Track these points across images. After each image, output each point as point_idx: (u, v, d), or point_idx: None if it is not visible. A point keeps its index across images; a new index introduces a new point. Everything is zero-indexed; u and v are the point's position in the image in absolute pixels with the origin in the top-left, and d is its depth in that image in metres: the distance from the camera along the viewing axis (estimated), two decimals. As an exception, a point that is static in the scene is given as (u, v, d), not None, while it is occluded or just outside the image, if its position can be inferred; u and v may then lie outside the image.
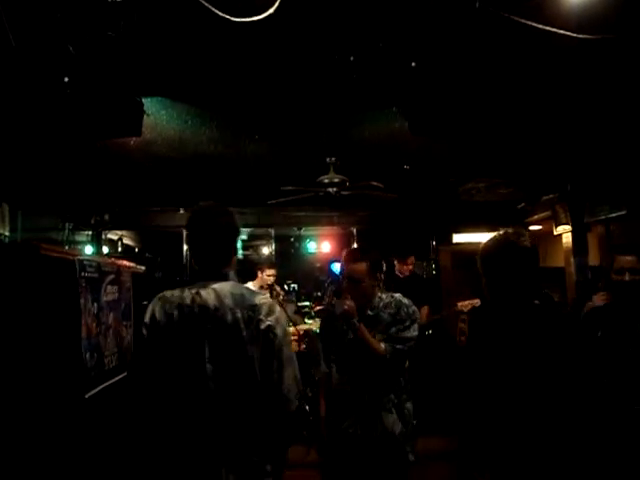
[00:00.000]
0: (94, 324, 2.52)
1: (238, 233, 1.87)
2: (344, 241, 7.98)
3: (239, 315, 1.66)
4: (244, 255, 8.52)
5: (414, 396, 2.51)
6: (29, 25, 2.29)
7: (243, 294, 1.71)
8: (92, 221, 6.67)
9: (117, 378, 2.74)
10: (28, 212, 5.99)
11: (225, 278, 1.75)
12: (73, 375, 2.26)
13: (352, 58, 2.86)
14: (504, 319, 1.75)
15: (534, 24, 2.25)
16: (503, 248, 1.75)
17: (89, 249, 6.66)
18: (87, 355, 2.39)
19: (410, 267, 5.27)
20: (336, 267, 8.31)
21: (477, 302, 5.10)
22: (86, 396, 2.34)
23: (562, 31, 2.28)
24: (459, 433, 1.91)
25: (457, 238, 7.48)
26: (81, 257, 2.50)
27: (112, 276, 2.88)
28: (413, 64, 2.93)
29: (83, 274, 2.43)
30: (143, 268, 3.68)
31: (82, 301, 2.38)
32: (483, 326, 1.90)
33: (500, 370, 1.70)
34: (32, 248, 2.12)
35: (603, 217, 5.54)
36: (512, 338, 1.71)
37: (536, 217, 6.81)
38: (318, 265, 9.15)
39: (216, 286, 1.70)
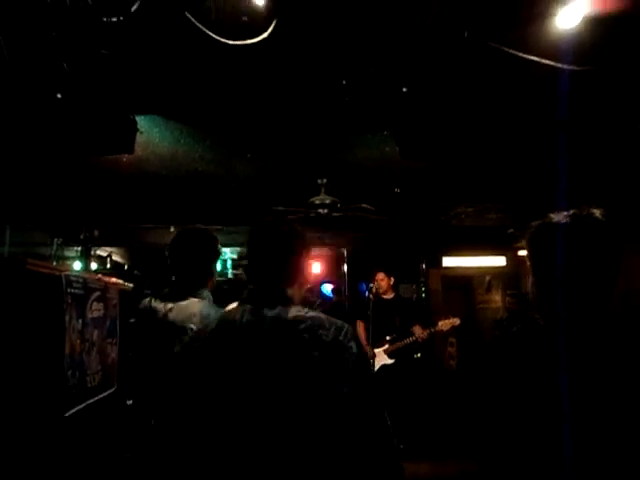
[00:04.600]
0: (78, 341, 2.48)
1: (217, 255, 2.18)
2: (334, 262, 7.97)
3: None
4: (234, 274, 8.46)
5: (403, 419, 2.47)
6: (24, 42, 2.31)
7: None
8: (81, 237, 6.60)
9: (99, 397, 2.70)
10: (17, 226, 5.95)
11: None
12: (54, 393, 2.22)
13: (344, 82, 2.91)
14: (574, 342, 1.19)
15: (521, 54, 2.31)
16: (572, 224, 1.26)
17: (77, 265, 6.59)
18: (69, 372, 2.35)
19: (382, 283, 5.26)
20: (326, 288, 8.29)
21: (457, 322, 5.07)
22: (66, 414, 2.29)
23: (548, 61, 2.35)
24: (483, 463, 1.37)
25: (447, 262, 7.52)
26: (67, 273, 2.48)
27: (98, 293, 2.85)
28: (404, 89, 2.99)
29: (69, 290, 2.40)
30: (131, 285, 3.64)
31: (67, 317, 2.35)
32: (533, 351, 1.29)
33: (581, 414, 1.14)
34: (18, 263, 2.10)
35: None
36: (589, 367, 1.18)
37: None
38: (308, 286, 9.10)
39: None
